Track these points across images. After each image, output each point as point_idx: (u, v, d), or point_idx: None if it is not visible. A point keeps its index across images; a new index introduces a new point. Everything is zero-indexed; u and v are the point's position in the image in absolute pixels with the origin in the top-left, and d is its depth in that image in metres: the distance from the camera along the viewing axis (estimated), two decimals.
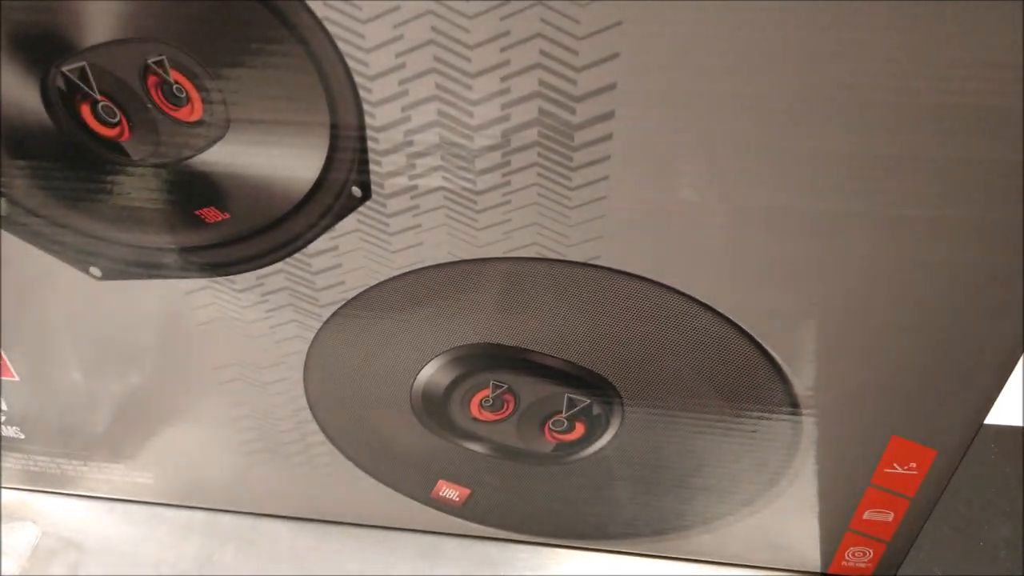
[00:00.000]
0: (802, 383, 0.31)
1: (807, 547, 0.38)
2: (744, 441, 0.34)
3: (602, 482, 0.37)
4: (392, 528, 0.40)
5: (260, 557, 0.40)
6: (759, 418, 0.33)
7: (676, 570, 0.39)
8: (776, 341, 0.30)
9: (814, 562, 0.39)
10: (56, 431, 0.39)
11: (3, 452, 0.40)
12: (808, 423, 0.32)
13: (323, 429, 0.36)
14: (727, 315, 0.29)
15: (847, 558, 0.39)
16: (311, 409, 0.36)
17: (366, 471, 0.38)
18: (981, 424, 0.31)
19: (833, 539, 0.38)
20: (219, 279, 0.31)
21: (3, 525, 0.40)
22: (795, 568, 0.39)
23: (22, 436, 0.39)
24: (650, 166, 0.25)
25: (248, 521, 0.41)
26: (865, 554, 0.38)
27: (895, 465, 0.34)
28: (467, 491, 0.38)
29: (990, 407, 0.31)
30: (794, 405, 0.32)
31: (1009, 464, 0.45)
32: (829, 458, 0.34)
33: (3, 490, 0.42)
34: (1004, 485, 0.44)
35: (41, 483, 0.41)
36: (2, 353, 0.35)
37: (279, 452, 0.38)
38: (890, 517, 0.36)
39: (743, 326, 0.30)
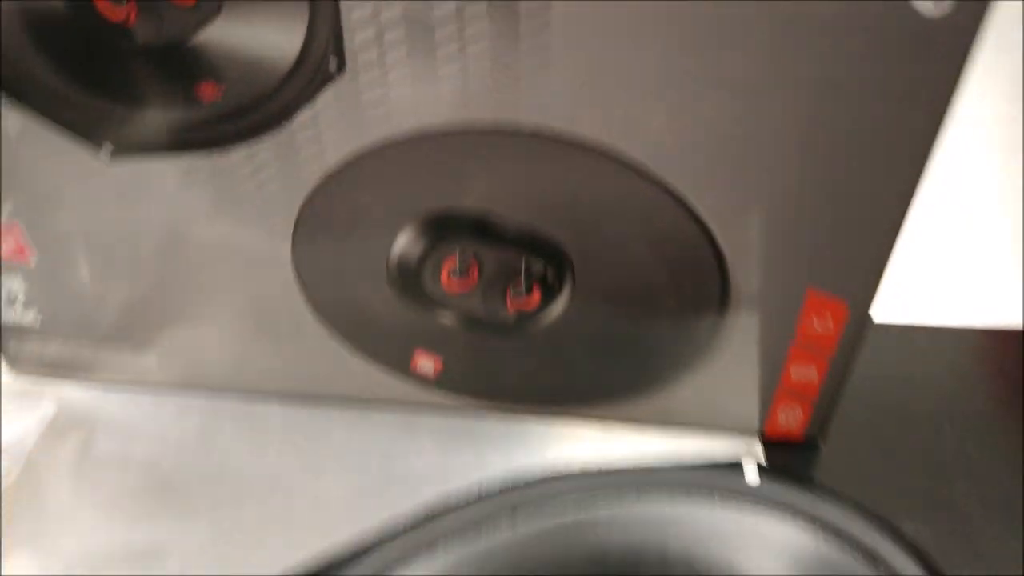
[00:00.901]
0: (727, 242, 0.36)
1: (745, 408, 0.43)
2: (681, 304, 0.38)
3: (557, 352, 0.41)
4: (375, 403, 0.45)
5: (254, 430, 0.44)
6: (693, 281, 0.38)
7: (628, 435, 0.44)
8: (708, 208, 0.35)
9: (752, 422, 0.43)
10: (69, 318, 0.43)
11: (18, 340, 0.44)
12: (735, 281, 0.37)
13: (311, 307, 0.41)
14: (662, 179, 0.34)
15: (781, 419, 0.44)
16: (300, 287, 0.40)
17: (352, 347, 0.42)
18: (883, 273, 0.36)
19: (766, 398, 0.42)
20: (214, 156, 0.35)
21: (17, 402, 0.44)
22: (736, 428, 0.44)
23: (37, 324, 0.43)
24: (594, 29, 0.30)
25: (244, 402, 0.45)
26: (795, 412, 0.43)
27: (814, 320, 0.39)
28: (440, 364, 0.43)
29: (888, 255, 0.35)
30: (721, 264, 0.36)
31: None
32: (755, 316, 0.38)
33: (17, 376, 0.46)
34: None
35: (54, 370, 0.45)
36: (24, 238, 0.39)
37: (271, 332, 0.42)
38: (814, 375, 0.41)
39: (675, 189, 0.34)
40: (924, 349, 0.52)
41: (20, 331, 0.44)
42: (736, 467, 0.36)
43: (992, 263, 0.60)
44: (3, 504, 0.40)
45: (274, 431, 0.45)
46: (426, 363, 0.43)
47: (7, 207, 0.39)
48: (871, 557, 0.32)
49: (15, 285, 0.42)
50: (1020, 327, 0.53)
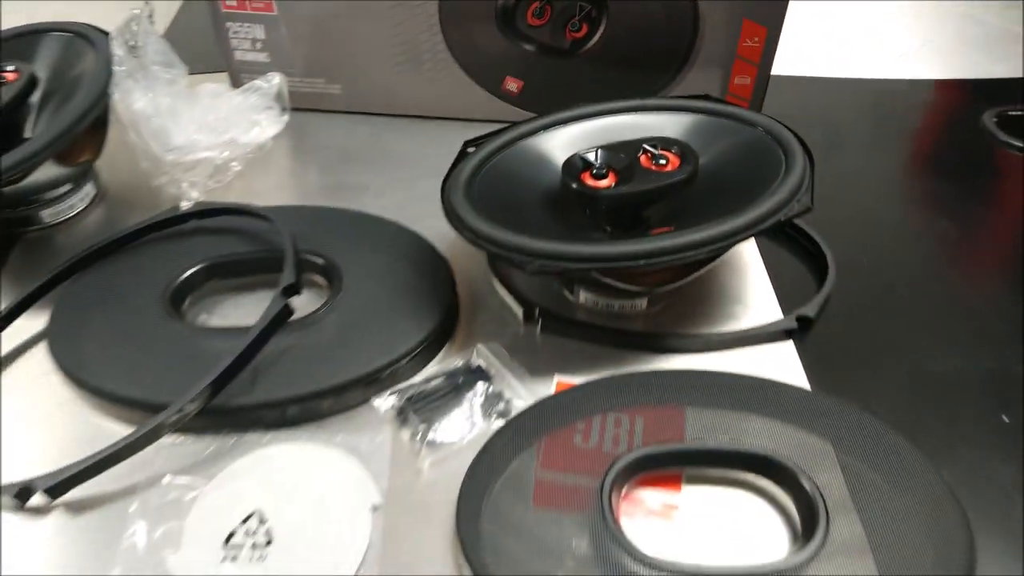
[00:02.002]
0: None
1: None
2: (673, 34, 0.65)
3: (596, 67, 0.67)
4: (475, 120, 0.71)
5: (403, 132, 0.71)
6: (679, 16, 0.64)
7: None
8: None
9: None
10: (288, 58, 0.68)
11: (250, 74, 0.69)
12: (703, 14, 0.63)
13: (448, 46, 0.66)
14: None
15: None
16: (441, 31, 0.65)
17: (467, 72, 0.68)
18: (787, 5, 0.62)
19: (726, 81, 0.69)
20: None
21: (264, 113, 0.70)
22: None
23: (268, 60, 0.68)
24: None
25: (394, 119, 0.72)
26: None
27: (747, 41, 0.65)
28: (522, 82, 0.68)
29: None
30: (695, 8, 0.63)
31: None
32: (716, 41, 0.65)
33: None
34: None
35: (275, 99, 0.70)
36: None
37: (416, 65, 0.68)
38: (748, 81, 0.68)
39: None
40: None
41: (252, 66, 0.69)
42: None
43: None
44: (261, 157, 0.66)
45: (414, 133, 0.71)
46: (512, 84, 0.69)
47: None
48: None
49: (257, 32, 0.67)
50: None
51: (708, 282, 0.57)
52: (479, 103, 0.70)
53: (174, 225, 0.57)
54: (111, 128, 0.62)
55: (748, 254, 0.60)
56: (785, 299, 0.56)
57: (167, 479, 0.44)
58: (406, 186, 0.65)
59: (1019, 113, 0.78)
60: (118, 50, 0.57)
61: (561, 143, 0.55)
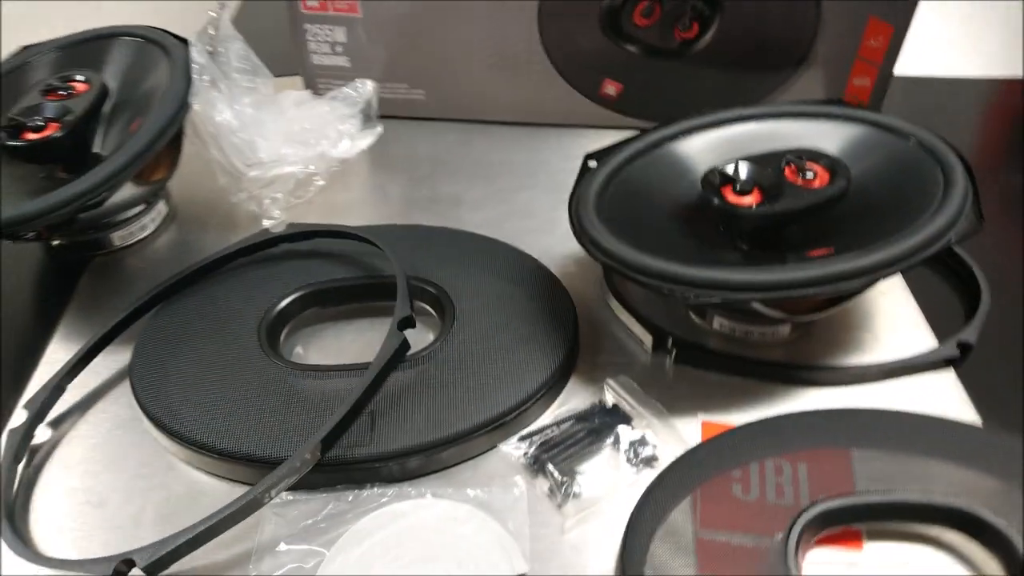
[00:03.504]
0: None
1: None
2: (791, 31, 0.60)
3: (707, 67, 0.62)
4: (569, 126, 0.66)
5: (492, 138, 0.66)
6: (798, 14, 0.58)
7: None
8: None
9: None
10: (369, 62, 0.63)
11: (327, 79, 0.64)
12: (826, 11, 0.58)
13: (544, 48, 0.61)
14: None
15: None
16: (539, 31, 0.60)
17: (563, 75, 0.63)
18: (917, 4, 0.57)
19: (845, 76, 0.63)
20: None
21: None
22: None
23: (348, 64, 0.63)
24: None
25: (483, 125, 0.67)
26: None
27: (871, 40, 0.60)
28: (621, 86, 0.63)
29: None
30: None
31: None
32: (837, 40, 0.59)
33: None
34: None
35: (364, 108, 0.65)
36: None
37: (510, 68, 0.63)
38: (867, 83, 0.63)
39: None
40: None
41: (330, 71, 0.64)
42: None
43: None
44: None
45: (505, 140, 0.66)
46: (611, 88, 0.63)
47: None
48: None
49: (338, 35, 0.62)
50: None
51: (851, 308, 0.52)
52: (574, 108, 0.65)
53: (264, 248, 0.52)
54: (185, 141, 0.57)
55: (891, 278, 0.55)
56: (934, 325, 0.51)
57: (282, 547, 0.39)
58: (503, 199, 0.60)
59: None
60: (198, 57, 0.52)
61: (692, 153, 0.50)
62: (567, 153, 0.65)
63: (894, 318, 0.51)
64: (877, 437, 0.43)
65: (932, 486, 0.40)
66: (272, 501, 0.39)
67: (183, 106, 0.52)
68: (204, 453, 0.42)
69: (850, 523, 0.40)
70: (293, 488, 0.40)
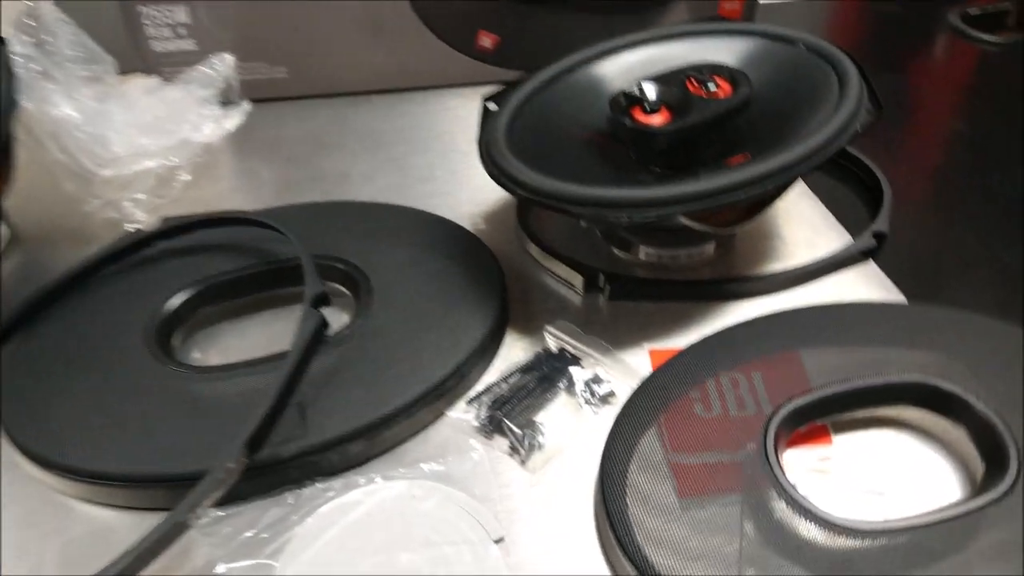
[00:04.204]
0: None
1: None
2: None
3: (583, 6, 0.60)
4: (449, 86, 0.62)
5: (363, 110, 0.62)
6: None
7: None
8: None
9: None
10: (219, 42, 0.57)
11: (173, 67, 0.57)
12: None
13: (413, 6, 0.57)
14: None
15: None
16: None
17: (435, 32, 0.59)
18: None
19: None
20: None
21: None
22: None
23: (196, 48, 0.57)
24: None
25: (352, 99, 0.62)
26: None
27: None
28: (497, 37, 0.61)
29: None
30: None
31: None
32: None
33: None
34: None
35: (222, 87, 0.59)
36: None
37: (378, 32, 0.59)
38: (736, 6, 0.63)
39: None
40: None
41: (176, 58, 0.58)
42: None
43: None
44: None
45: (383, 109, 0.62)
46: (486, 40, 0.61)
47: None
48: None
49: (178, 15, 0.56)
50: None
51: (764, 220, 0.52)
52: (451, 66, 0.61)
53: (137, 251, 0.46)
54: (19, 147, 0.50)
55: (795, 187, 0.55)
56: (844, 225, 0.52)
57: (221, 569, 0.33)
58: (396, 167, 0.56)
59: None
60: (21, 48, 0.45)
61: (594, 83, 0.48)
62: (454, 114, 0.62)
63: (807, 223, 0.52)
64: (821, 333, 0.42)
65: (883, 369, 0.39)
66: (200, 522, 0.34)
67: (10, 105, 0.45)
68: (103, 483, 0.36)
69: (816, 419, 0.39)
70: (221, 503, 0.35)
